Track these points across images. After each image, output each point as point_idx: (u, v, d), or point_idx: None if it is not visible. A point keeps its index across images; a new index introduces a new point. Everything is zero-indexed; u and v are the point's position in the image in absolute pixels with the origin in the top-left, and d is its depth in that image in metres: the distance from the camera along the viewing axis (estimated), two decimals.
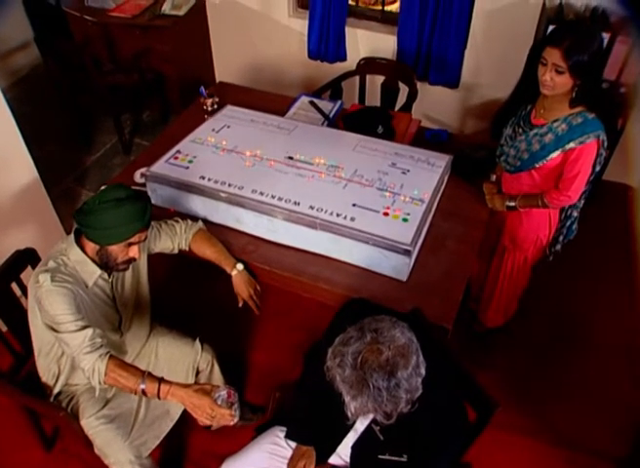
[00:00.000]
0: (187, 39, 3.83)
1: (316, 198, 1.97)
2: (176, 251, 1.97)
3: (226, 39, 4.03)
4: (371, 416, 1.43)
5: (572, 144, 1.82)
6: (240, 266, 1.91)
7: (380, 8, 3.76)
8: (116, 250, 1.60)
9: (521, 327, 2.66)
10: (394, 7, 3.89)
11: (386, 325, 1.24)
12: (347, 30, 3.69)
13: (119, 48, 3.82)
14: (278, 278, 1.95)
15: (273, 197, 1.97)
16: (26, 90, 4.55)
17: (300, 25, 3.81)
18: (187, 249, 1.96)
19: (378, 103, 3.22)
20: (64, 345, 1.55)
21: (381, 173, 2.13)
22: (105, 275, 1.71)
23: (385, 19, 3.71)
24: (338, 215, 1.90)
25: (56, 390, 1.80)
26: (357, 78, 3.24)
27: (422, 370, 1.23)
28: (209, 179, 2.05)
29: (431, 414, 1.33)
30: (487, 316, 2.57)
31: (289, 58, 3.92)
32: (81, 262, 1.64)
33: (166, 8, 3.73)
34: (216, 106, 2.61)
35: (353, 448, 1.52)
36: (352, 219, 1.88)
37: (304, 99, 2.81)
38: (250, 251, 2.00)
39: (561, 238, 2.17)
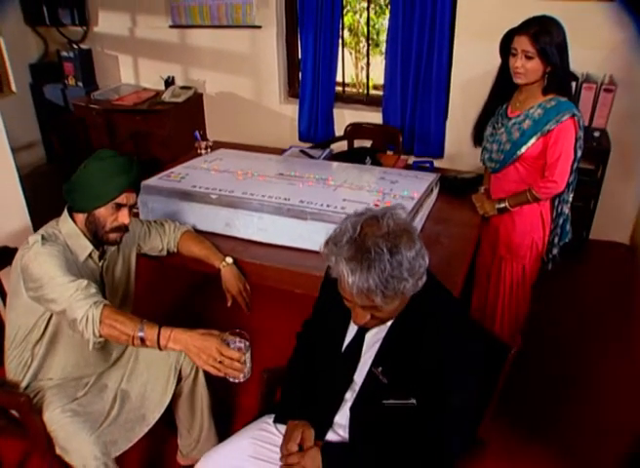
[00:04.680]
0: (184, 123, 4.07)
1: (306, 195, 1.97)
2: (164, 252, 1.91)
3: (221, 124, 4.29)
4: (370, 362, 1.29)
5: (549, 125, 1.89)
6: (229, 260, 1.85)
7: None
8: (104, 213, 1.54)
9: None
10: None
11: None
12: (335, 112, 3.96)
13: (119, 132, 4.05)
14: (269, 273, 1.87)
15: (263, 196, 1.97)
16: (28, 185, 4.70)
17: (291, 111, 4.10)
18: (176, 250, 1.91)
19: None
20: (52, 303, 1.41)
21: (370, 182, 2.16)
22: (96, 255, 1.63)
23: (370, 101, 4.01)
24: (328, 206, 1.88)
25: (24, 383, 1.62)
26: (345, 144, 3.40)
27: (427, 260, 1.13)
28: (200, 187, 2.07)
29: (439, 351, 1.19)
30: None
31: (281, 141, 4.12)
32: (73, 236, 1.57)
33: (166, 96, 4.04)
34: (209, 150, 2.71)
35: (352, 408, 1.33)
36: (343, 208, 1.87)
37: (294, 150, 2.93)
38: (239, 251, 1.94)
39: (556, 240, 2.14)
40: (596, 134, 2.96)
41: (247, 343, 1.35)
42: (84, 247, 1.58)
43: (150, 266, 2.74)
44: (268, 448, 1.44)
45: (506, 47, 1.93)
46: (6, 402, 1.58)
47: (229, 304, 1.87)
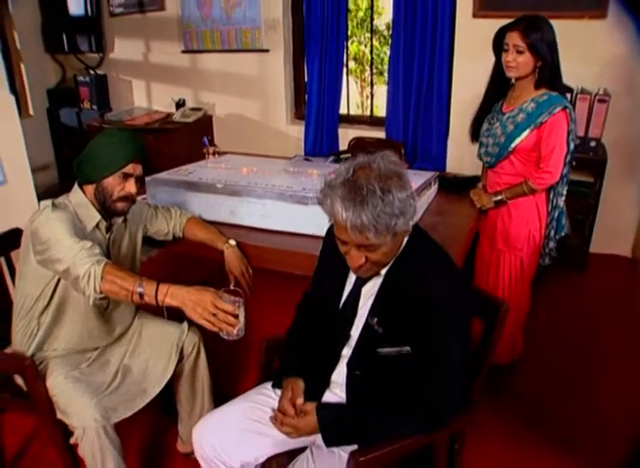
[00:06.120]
0: (193, 141, 4.18)
1: (308, 184, 2.05)
2: (170, 236, 1.97)
3: (229, 144, 4.39)
4: (366, 315, 1.33)
5: (542, 118, 1.97)
6: (233, 242, 1.91)
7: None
8: (112, 183, 1.62)
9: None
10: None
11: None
12: (340, 131, 4.09)
13: None
14: (270, 256, 1.92)
15: (267, 185, 2.05)
16: None
17: (297, 131, 4.24)
18: (181, 234, 1.97)
19: None
20: (57, 263, 1.46)
21: None
22: (104, 225, 1.68)
23: (374, 122, 4.14)
24: None
25: (29, 353, 1.65)
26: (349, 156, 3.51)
27: (417, 203, 1.19)
28: (206, 179, 2.15)
29: (432, 298, 1.23)
30: None
31: None
32: (82, 206, 1.64)
33: (176, 116, 4.19)
34: (217, 155, 2.81)
35: (349, 363, 1.36)
36: None
37: (299, 158, 3.03)
38: (242, 236, 2.00)
39: (552, 233, 2.18)
40: (592, 143, 3.04)
41: (241, 300, 1.39)
42: (92, 217, 1.64)
43: (155, 262, 2.80)
44: (266, 410, 1.45)
45: (499, 44, 2.04)
46: (11, 366, 1.62)
47: (232, 287, 1.91)
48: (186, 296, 1.38)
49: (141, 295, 1.40)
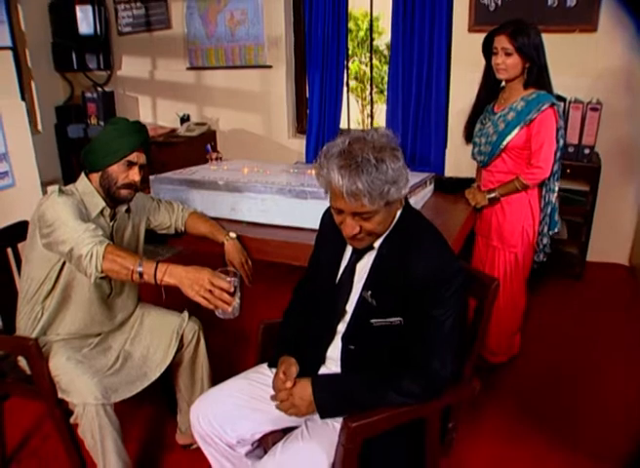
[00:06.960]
0: (197, 154, 4.28)
1: (307, 181, 2.12)
2: (172, 230, 2.03)
3: (232, 156, 4.49)
4: (360, 286, 1.37)
5: (531, 115, 2.05)
6: (233, 234, 1.97)
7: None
8: (117, 170, 1.68)
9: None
10: None
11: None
12: None
13: None
14: (269, 248, 1.98)
15: (267, 181, 2.12)
16: None
17: (299, 145, 4.33)
18: (183, 228, 2.03)
19: None
20: (62, 245, 1.52)
21: None
22: (108, 213, 1.74)
23: None
24: None
25: (33, 336, 1.69)
26: None
27: (409, 175, 1.25)
28: (208, 177, 2.22)
29: (423, 272, 1.27)
30: (489, 347, 2.46)
31: None
32: (87, 193, 1.71)
33: (181, 131, 4.30)
34: (220, 161, 2.89)
35: (344, 337, 1.40)
36: None
37: (300, 164, 3.11)
38: (243, 231, 2.06)
39: (545, 229, 2.24)
40: (586, 151, 3.11)
41: (237, 280, 1.45)
42: (96, 204, 1.71)
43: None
44: (263, 388, 1.49)
45: (488, 48, 2.13)
46: (15, 348, 1.66)
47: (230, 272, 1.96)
48: (184, 275, 1.43)
49: (141, 274, 1.45)
